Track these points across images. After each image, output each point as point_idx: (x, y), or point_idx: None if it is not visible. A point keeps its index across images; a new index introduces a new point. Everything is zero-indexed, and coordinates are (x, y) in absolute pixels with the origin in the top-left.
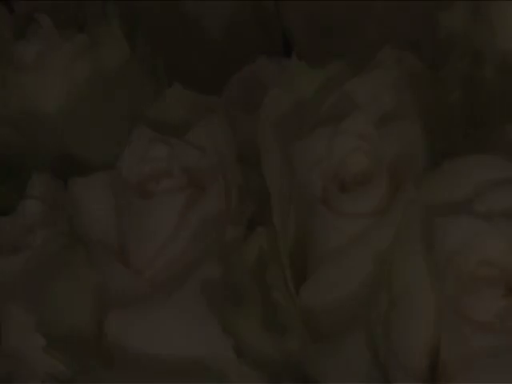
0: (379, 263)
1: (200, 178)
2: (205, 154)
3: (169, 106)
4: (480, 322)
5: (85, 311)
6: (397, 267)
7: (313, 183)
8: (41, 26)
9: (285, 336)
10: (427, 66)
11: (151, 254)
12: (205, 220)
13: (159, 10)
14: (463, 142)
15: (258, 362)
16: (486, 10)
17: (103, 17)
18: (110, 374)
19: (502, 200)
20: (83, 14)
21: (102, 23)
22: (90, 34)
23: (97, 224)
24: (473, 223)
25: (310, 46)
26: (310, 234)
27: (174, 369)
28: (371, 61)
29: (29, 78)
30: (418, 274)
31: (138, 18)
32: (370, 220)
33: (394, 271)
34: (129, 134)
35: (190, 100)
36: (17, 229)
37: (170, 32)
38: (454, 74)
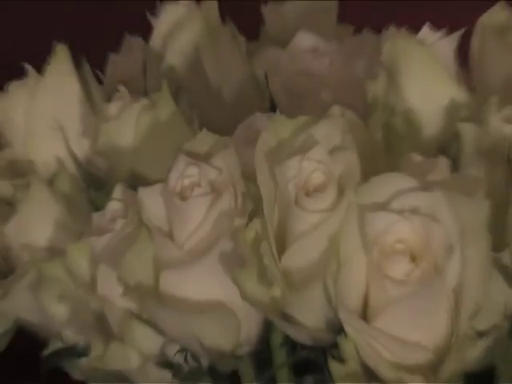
0: (331, 240)
1: (218, 187)
2: (221, 172)
3: (199, 143)
4: (394, 278)
5: (147, 270)
6: (342, 243)
7: (289, 191)
8: (120, 92)
9: (271, 287)
10: (361, 117)
11: (188, 235)
12: (221, 214)
13: (195, 83)
14: (384, 164)
15: (255, 304)
16: (395, 79)
17: (159, 87)
18: (162, 310)
19: (408, 201)
20: (146, 85)
21: (158, 91)
22: (150, 97)
23: (154, 216)
24: (390, 216)
25: (287, 105)
26: (287, 223)
27: (202, 307)
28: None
29: (112, 125)
30: (356, 247)
31: (181, 88)
32: (324, 214)
33: (340, 245)
34: (174, 160)
35: (213, 139)
36: (105, 219)
37: (201, 96)
38: (377, 122)
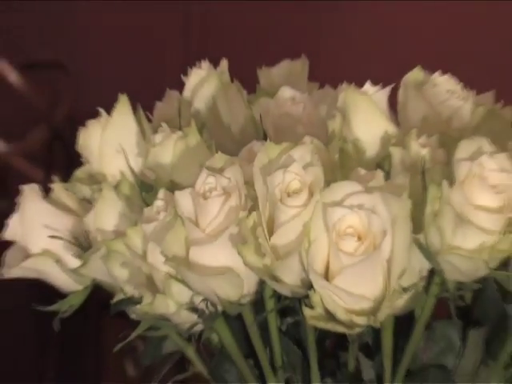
0: (304, 226)
1: (229, 190)
2: (231, 181)
3: (216, 161)
4: (346, 252)
5: (180, 246)
6: (311, 228)
7: (275, 193)
8: (163, 127)
9: (264, 258)
10: (324, 144)
11: (208, 222)
12: (230, 209)
13: (213, 122)
14: (339, 175)
15: (253, 268)
16: (347, 119)
17: (189, 124)
18: (190, 273)
19: (356, 200)
20: (180, 123)
21: (188, 126)
22: (183, 131)
23: (185, 210)
24: (343, 210)
25: (275, 136)
26: (274, 214)
27: (217, 270)
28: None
29: (157, 149)
30: (320, 231)
31: (203, 125)
32: (300, 209)
33: (310, 230)
34: (199, 172)
35: (225, 158)
36: (152, 212)
37: (217, 130)
38: (335, 147)
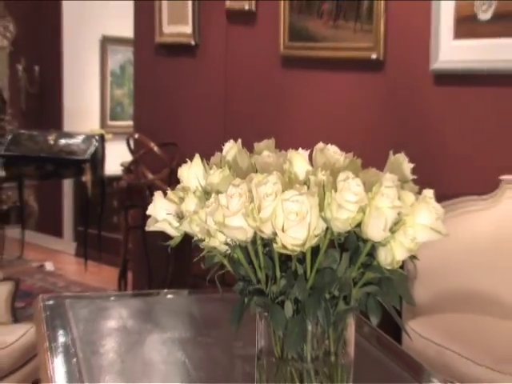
0: (273, 210)
1: (241, 194)
2: (242, 189)
3: (236, 182)
4: (292, 220)
5: (221, 217)
6: (276, 211)
7: (261, 195)
8: (214, 167)
9: (256, 222)
10: (281, 175)
11: (232, 207)
12: (242, 202)
13: (235, 166)
14: (288, 188)
15: (252, 227)
16: (291, 163)
17: (225, 166)
18: (225, 228)
19: (295, 198)
20: (221, 165)
21: (224, 166)
22: (222, 168)
23: (223, 202)
24: (289, 202)
25: (261, 171)
26: (261, 204)
27: (236, 228)
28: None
29: (211, 176)
30: (280, 211)
31: (230, 166)
32: (272, 201)
33: (276, 211)
34: (228, 186)
35: (239, 180)
36: (209, 203)
37: (236, 170)
38: (286, 176)
